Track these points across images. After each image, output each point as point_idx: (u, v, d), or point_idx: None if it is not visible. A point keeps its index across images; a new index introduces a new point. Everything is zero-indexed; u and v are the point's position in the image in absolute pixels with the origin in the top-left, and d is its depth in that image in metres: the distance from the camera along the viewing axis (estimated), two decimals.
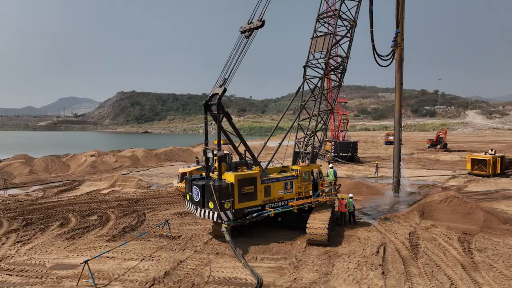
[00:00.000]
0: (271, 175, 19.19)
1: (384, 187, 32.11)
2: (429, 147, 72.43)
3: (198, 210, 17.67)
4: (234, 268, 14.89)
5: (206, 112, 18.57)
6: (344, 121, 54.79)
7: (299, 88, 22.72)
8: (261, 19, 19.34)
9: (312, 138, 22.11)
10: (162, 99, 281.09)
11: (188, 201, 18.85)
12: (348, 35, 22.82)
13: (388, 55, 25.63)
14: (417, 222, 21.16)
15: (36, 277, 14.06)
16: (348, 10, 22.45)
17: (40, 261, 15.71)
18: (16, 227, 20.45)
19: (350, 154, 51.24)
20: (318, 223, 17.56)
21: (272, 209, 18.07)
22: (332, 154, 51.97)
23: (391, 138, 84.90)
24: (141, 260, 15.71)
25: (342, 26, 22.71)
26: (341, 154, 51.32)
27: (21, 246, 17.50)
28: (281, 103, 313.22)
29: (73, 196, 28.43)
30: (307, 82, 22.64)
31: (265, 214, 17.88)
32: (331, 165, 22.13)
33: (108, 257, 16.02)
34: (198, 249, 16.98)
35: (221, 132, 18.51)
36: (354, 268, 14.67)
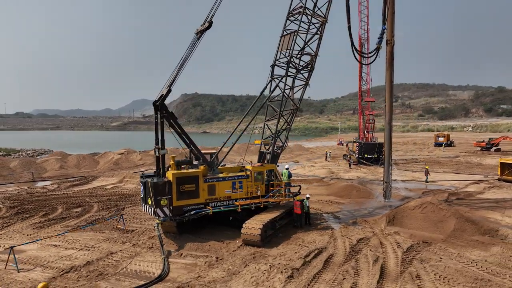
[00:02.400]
0: (220, 175, 19.41)
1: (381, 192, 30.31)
2: (481, 149, 66.19)
3: (143, 206, 18.56)
4: (153, 262, 15.47)
5: (156, 112, 19.29)
6: (370, 121, 52.26)
7: (264, 87, 22.55)
8: (210, 20, 19.72)
9: (274, 138, 21.86)
10: (222, 100, 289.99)
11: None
12: (318, 32, 22.17)
13: (370, 52, 24.25)
14: (382, 228, 19.92)
15: None
16: (316, 6, 21.81)
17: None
18: (6, 214, 23.13)
19: (376, 155, 48.79)
20: (254, 223, 17.42)
21: (211, 208, 18.29)
22: (357, 155, 49.96)
23: (441, 139, 79.15)
24: (79, 250, 16.97)
25: (316, 23, 22.16)
26: (365, 155, 49.13)
27: None
28: (341, 103, 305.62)
29: (79, 190, 31.14)
30: (274, 81, 22.41)
31: (203, 212, 18.16)
32: (286, 166, 21.65)
33: (53, 245, 17.55)
34: (138, 243, 17.83)
35: (180, 133, 19.21)
36: (264, 270, 14.41)
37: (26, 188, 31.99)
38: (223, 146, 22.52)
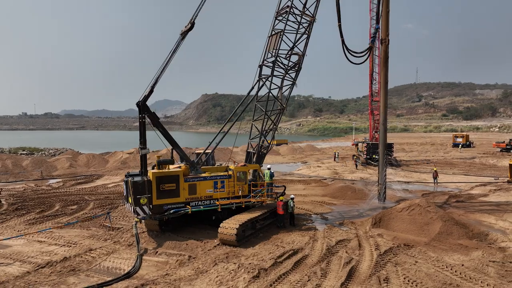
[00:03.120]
0: (202, 174, 19.58)
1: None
2: (501, 150, 63.77)
3: (126, 205, 18.96)
4: (127, 260, 15.78)
5: (140, 112, 19.55)
6: (378, 120, 51.17)
7: (252, 87, 22.56)
8: (193, 21, 19.92)
9: (259, 138, 21.87)
10: (241, 100, 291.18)
11: None
12: (306, 32, 22.01)
13: (362, 52, 23.80)
14: (366, 230, 19.59)
15: None
16: (305, 6, 21.66)
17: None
18: (6, 210, 24.10)
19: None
20: (230, 223, 17.48)
21: (190, 207, 18.48)
22: (364, 155, 49.14)
23: (459, 140, 76.76)
24: (61, 246, 17.50)
25: (304, 22, 22.03)
26: (373, 156, 48.22)
27: None
28: (362, 102, 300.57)
29: (81, 188, 32.07)
30: (262, 81, 22.39)
31: (182, 211, 18.36)
32: (268, 166, 21.56)
33: (39, 241, 18.18)
34: (119, 240, 18.21)
35: (164, 133, 19.48)
36: (232, 270, 14.42)
37: (33, 186, 33.19)
38: (208, 146, 22.60)
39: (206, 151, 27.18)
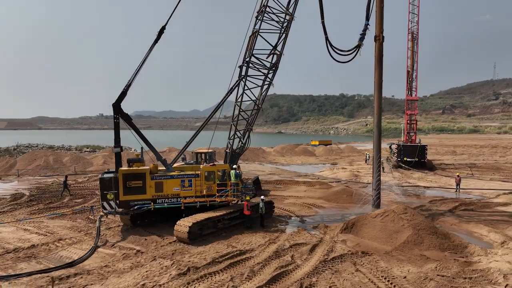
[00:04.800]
0: (169, 173, 20.24)
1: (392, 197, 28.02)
2: None
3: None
4: (84, 250, 16.86)
5: (114, 113, 20.67)
6: (412, 121, 47.98)
7: (232, 88, 22.69)
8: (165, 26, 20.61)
9: (233, 139, 21.99)
10: (299, 100, 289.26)
11: None
12: (284, 31, 21.68)
13: (349, 50, 22.66)
14: (333, 235, 18.80)
15: None
16: (286, 4, 21.39)
17: None
18: (22, 201, 26.98)
19: (416, 159, 44.80)
20: (185, 221, 17.85)
21: (153, 204, 19.21)
22: (395, 158, 46.43)
23: None
24: (40, 234, 19.21)
25: (283, 21, 21.77)
26: (405, 158, 45.41)
27: None
28: (429, 101, 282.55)
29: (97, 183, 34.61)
30: (243, 82, 22.46)
31: (145, 208, 19.15)
32: (234, 166, 21.44)
33: (25, 229, 20.14)
34: (91, 232, 19.52)
35: (139, 133, 20.61)
36: (165, 266, 14.76)
37: (61, 180, 36.60)
38: (187, 146, 23.19)
39: (210, 151, 27.93)
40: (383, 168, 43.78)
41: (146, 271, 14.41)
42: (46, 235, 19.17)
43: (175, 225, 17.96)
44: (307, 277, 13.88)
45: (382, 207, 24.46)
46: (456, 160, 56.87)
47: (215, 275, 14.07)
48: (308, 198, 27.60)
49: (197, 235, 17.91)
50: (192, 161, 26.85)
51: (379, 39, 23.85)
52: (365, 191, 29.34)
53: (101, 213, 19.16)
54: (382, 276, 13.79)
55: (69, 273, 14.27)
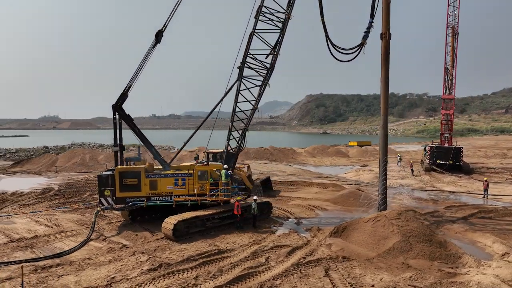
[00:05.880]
0: (163, 172, 20.88)
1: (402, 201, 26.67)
2: None
3: None
4: (78, 243, 18.04)
5: (114, 113, 21.72)
6: (447, 121, 44.93)
7: (231, 87, 22.83)
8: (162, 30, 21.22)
9: (228, 139, 22.17)
10: (346, 100, 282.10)
11: None
12: (281, 30, 21.50)
13: (351, 48, 21.83)
14: (321, 239, 18.34)
15: None
16: (276, 2, 21.21)
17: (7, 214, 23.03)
18: (48, 195, 29.24)
19: (451, 161, 42.01)
20: (172, 219, 18.31)
21: (146, 201, 19.92)
22: (428, 160, 43.86)
23: None
24: (47, 226, 20.73)
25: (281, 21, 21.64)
26: (438, 161, 42.73)
27: (20, 207, 25.60)
28: (490, 100, 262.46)
29: None
30: (240, 82, 22.57)
31: (138, 204, 19.93)
32: (225, 166, 21.43)
33: (37, 221, 21.82)
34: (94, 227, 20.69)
35: (137, 132, 21.54)
36: (141, 261, 15.33)
37: (92, 177, 39.05)
38: (184, 145, 23.73)
39: (211, 151, 28.43)
40: (412, 170, 41.73)
41: (121, 265, 15.07)
42: (52, 227, 20.62)
43: (163, 222, 18.52)
44: (273, 279, 13.70)
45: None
46: (502, 163, 52.44)
47: (183, 272, 14.36)
48: (315, 200, 27.03)
49: (183, 233, 18.31)
50: (204, 161, 27.37)
51: (386, 36, 22.77)
52: (377, 194, 28.06)
53: (98, 208, 20.25)
54: (349, 283, 13.27)
55: (53, 263, 15.28)
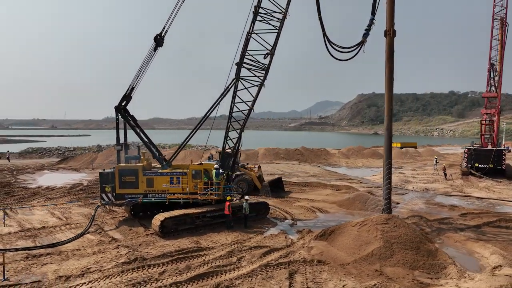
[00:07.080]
0: (160, 170, 21.67)
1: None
2: None
3: None
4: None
5: (116, 114, 22.78)
6: (488, 121, 41.30)
7: (229, 87, 22.99)
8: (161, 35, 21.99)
9: (225, 139, 22.38)
10: (401, 99, 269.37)
11: None
12: (277, 30, 21.33)
13: (351, 47, 21.02)
14: (306, 241, 17.99)
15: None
16: (273, 2, 21.06)
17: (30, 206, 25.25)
18: (76, 189, 31.56)
19: (491, 165, 38.71)
20: (160, 216, 18.93)
21: (141, 198, 20.79)
22: (465, 164, 40.78)
23: None
24: (58, 218, 22.42)
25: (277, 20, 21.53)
26: (476, 165, 39.58)
27: (45, 200, 27.90)
28: None
29: None
30: (241, 82, 22.70)
31: (133, 201, 20.85)
32: (216, 165, 21.49)
33: (52, 213, 23.67)
34: (96, 220, 22.01)
35: (138, 132, 22.66)
36: (120, 254, 16.11)
37: None
38: (184, 145, 24.31)
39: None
40: (445, 174, 39.13)
41: (101, 257, 15.95)
42: (62, 219, 22.27)
43: (153, 219, 19.25)
44: (235, 279, 13.75)
45: None
46: None
47: (153, 267, 14.86)
48: (321, 202, 26.40)
49: (171, 229, 18.89)
50: (216, 161, 27.94)
51: (390, 33, 21.69)
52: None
53: (98, 203, 21.53)
54: (306, 286, 12.93)
55: (44, 253, 16.57)
